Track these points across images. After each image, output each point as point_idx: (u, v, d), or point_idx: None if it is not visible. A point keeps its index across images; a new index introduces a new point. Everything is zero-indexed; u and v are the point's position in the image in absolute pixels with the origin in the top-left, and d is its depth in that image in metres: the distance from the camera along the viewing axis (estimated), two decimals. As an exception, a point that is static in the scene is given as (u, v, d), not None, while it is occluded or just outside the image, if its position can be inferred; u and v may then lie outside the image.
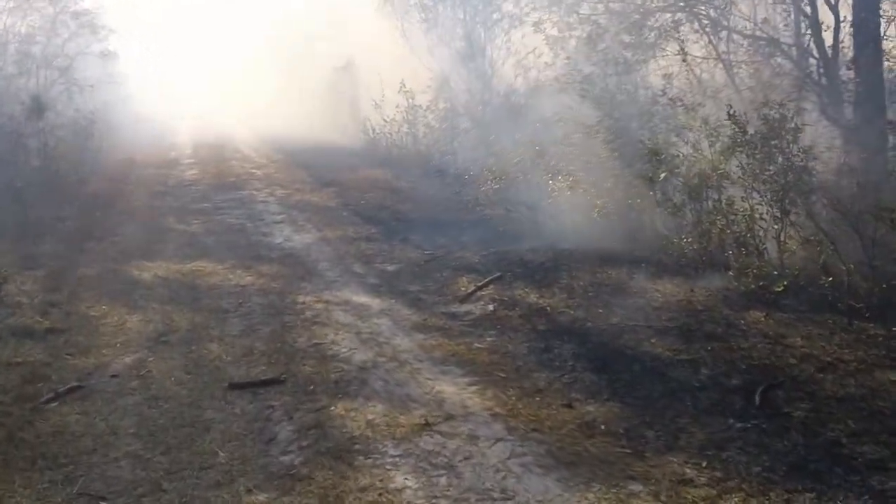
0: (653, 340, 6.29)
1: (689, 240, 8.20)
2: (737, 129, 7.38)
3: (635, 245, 8.86)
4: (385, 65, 19.26)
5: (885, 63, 9.47)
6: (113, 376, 5.89)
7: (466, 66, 18.49)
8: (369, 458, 4.54)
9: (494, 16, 18.51)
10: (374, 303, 7.57)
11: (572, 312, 7.11)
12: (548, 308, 7.26)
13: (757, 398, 5.12)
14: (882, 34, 9.14)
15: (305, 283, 8.24)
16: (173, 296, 7.90)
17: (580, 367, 5.88)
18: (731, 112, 7.48)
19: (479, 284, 7.95)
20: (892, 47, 9.67)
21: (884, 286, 6.34)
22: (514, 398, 5.35)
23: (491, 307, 7.36)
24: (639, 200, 9.02)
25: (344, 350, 6.30)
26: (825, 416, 4.88)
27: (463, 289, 7.95)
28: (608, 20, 10.22)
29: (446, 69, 18.68)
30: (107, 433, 4.98)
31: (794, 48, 9.49)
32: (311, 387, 5.60)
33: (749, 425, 4.83)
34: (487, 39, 19.09)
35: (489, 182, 11.08)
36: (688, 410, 5.08)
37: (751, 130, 7.54)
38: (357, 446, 4.68)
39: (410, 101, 17.66)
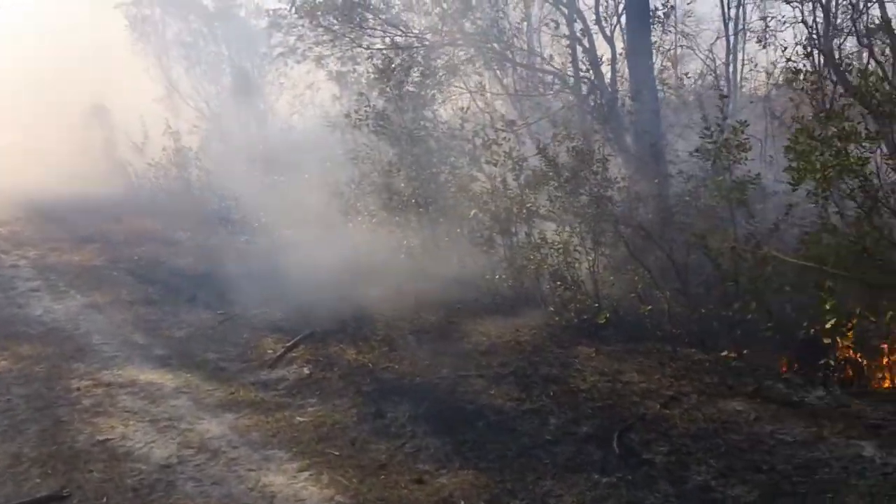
0: (491, 391, 5.86)
1: (504, 276, 7.98)
2: (546, 162, 7.23)
3: (448, 285, 8.45)
4: (144, 105, 17.69)
5: (660, 92, 10.01)
6: None
7: (238, 103, 17.49)
8: (194, 593, 3.60)
9: (262, 51, 17.66)
10: (167, 379, 6.45)
11: (397, 367, 6.52)
12: (370, 364, 6.60)
13: (615, 446, 4.82)
14: (656, 64, 9.62)
15: (78, 364, 6.86)
16: None
17: (420, 431, 5.28)
18: (541, 146, 7.34)
19: (288, 345, 7.11)
20: (661, 71, 10.30)
21: (702, 311, 6.42)
22: (355, 480, 4.63)
23: (306, 370, 6.56)
24: (447, 238, 8.69)
25: (139, 445, 5.19)
26: (685, 457, 4.68)
27: (270, 351, 7.06)
28: (395, 54, 9.84)
29: (215, 107, 17.52)
30: None
31: (579, 81, 9.69)
32: (104, 499, 4.48)
33: (615, 479, 4.49)
34: (259, 75, 18.20)
35: (281, 228, 10.23)
36: (548, 469, 4.66)
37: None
38: (175, 579, 3.71)
39: (177, 142, 16.27)
